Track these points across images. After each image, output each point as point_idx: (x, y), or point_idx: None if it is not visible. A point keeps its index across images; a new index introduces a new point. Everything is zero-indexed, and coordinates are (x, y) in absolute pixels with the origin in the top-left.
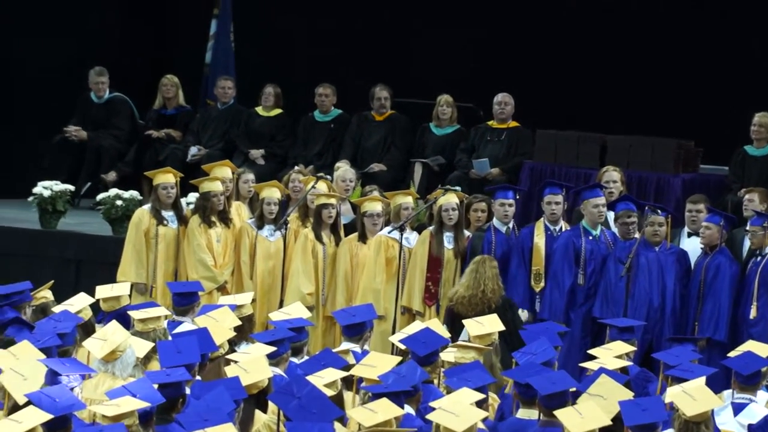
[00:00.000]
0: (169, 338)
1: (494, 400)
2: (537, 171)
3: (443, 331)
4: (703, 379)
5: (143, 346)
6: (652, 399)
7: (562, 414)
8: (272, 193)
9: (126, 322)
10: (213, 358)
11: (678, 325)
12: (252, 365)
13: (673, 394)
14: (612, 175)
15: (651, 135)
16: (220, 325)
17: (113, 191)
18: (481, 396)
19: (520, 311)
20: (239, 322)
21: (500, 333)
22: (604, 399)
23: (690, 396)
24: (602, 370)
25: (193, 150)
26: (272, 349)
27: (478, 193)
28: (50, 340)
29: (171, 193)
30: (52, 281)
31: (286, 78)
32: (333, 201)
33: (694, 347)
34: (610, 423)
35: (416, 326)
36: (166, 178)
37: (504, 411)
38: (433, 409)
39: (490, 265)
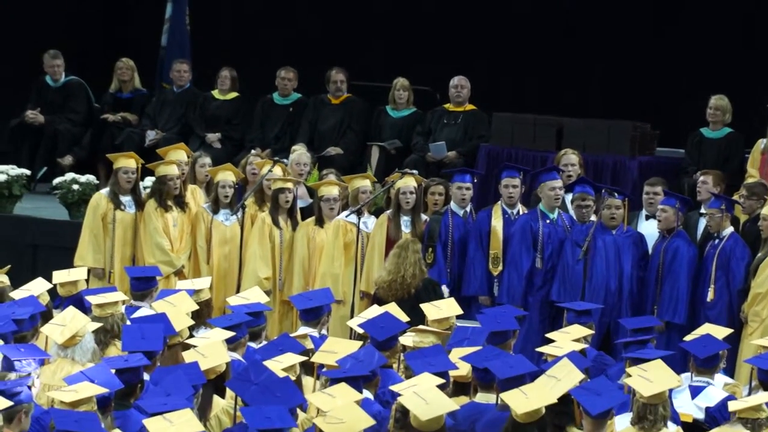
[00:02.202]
0: (128, 323)
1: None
2: (494, 154)
3: (402, 316)
4: (659, 361)
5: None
6: (606, 383)
7: (507, 395)
8: (226, 176)
9: (83, 306)
10: (171, 345)
11: (635, 308)
12: (210, 350)
13: (630, 376)
14: (570, 158)
15: (607, 118)
16: (180, 311)
17: (69, 175)
18: (442, 380)
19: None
20: (197, 307)
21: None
22: (559, 380)
23: (646, 378)
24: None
25: (151, 134)
26: (230, 334)
27: (435, 176)
28: (4, 326)
29: (131, 177)
30: (9, 266)
31: (242, 61)
32: (290, 185)
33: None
34: (556, 401)
35: (374, 311)
36: (128, 162)
37: None
38: (393, 392)
39: (413, 249)
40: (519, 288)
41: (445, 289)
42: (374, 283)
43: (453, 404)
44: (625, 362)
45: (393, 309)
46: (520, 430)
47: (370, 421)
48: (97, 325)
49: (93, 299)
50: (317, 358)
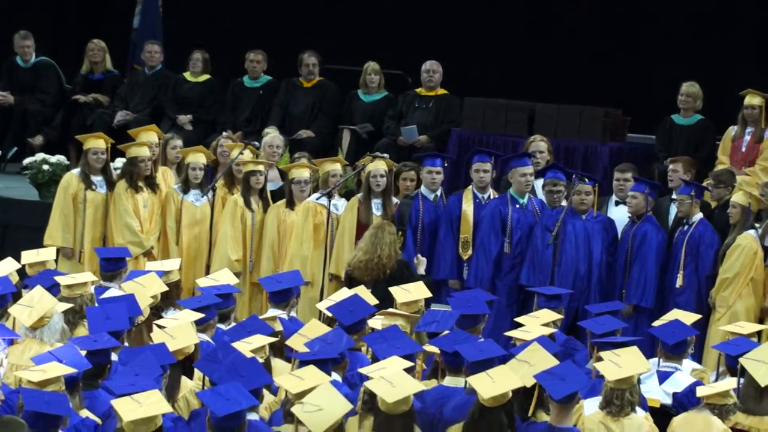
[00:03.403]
0: (96, 304)
1: (420, 367)
2: (465, 139)
3: (370, 299)
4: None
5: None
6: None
7: (473, 379)
8: (197, 158)
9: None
10: (136, 325)
11: (604, 294)
12: (179, 331)
13: (598, 361)
14: (539, 146)
15: (579, 103)
16: (144, 290)
17: (40, 156)
18: (411, 363)
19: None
20: (166, 288)
21: None
22: (531, 365)
23: (614, 363)
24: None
25: (120, 114)
26: (199, 315)
27: (406, 160)
28: None
29: (101, 158)
30: None
31: (214, 43)
32: (261, 168)
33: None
34: (522, 385)
35: (343, 293)
36: (97, 143)
37: None
38: (361, 375)
39: (389, 231)
40: (487, 272)
41: (421, 258)
42: (348, 264)
43: (419, 385)
44: (589, 347)
45: (362, 292)
46: (487, 413)
47: (348, 406)
48: (66, 305)
49: (62, 280)
50: (292, 342)
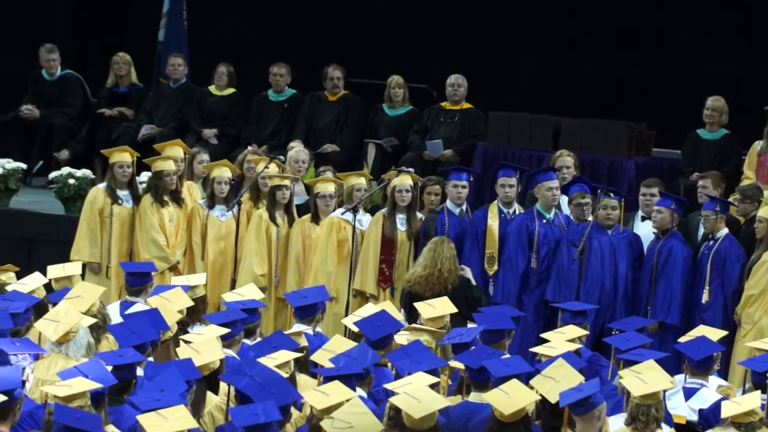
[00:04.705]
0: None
1: (445, 383)
2: (490, 153)
3: (397, 315)
4: (652, 361)
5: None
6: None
7: (489, 395)
8: (223, 172)
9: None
10: (163, 341)
11: (629, 309)
12: (204, 346)
13: (623, 376)
14: (565, 161)
15: (604, 118)
16: (171, 305)
17: (66, 170)
18: (436, 379)
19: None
20: (192, 303)
21: (465, 311)
22: (556, 381)
23: (639, 378)
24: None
25: (146, 128)
26: (225, 330)
27: (431, 174)
28: (3, 322)
29: (127, 172)
30: (14, 266)
31: (239, 57)
32: (287, 182)
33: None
34: (538, 399)
35: (369, 309)
36: (123, 156)
37: None
38: (387, 391)
39: (448, 246)
40: (514, 288)
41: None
42: (406, 280)
43: (445, 401)
44: (613, 363)
45: (389, 308)
46: (504, 429)
47: (379, 426)
48: (92, 320)
49: (51, 273)
50: (317, 357)
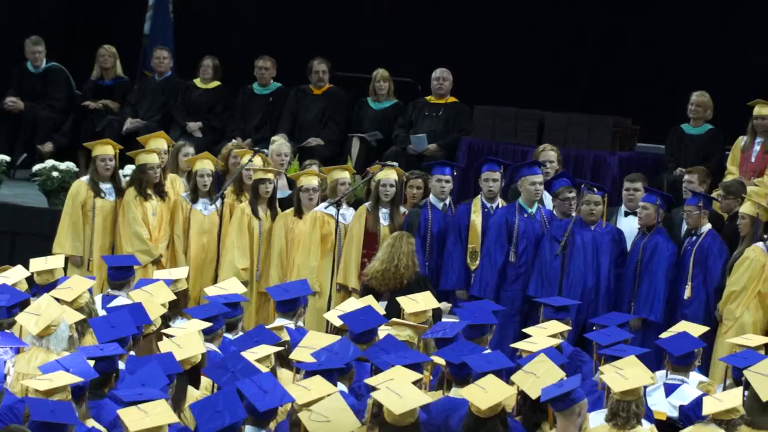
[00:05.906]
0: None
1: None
2: (474, 147)
3: (380, 309)
4: (633, 357)
5: (74, 317)
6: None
7: (465, 391)
8: (205, 165)
9: None
10: (146, 335)
11: (612, 306)
12: (186, 340)
13: (604, 372)
14: (549, 155)
15: (588, 113)
16: (154, 300)
17: (49, 162)
18: (419, 375)
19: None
20: (174, 297)
21: None
22: (537, 377)
23: (620, 374)
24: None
25: (130, 121)
26: (207, 325)
27: (415, 168)
28: None
29: (109, 165)
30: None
31: (224, 50)
32: (270, 176)
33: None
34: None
35: (351, 303)
36: (105, 149)
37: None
38: (368, 386)
39: (407, 242)
40: (492, 282)
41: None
42: (364, 273)
43: (426, 397)
44: (595, 359)
45: (372, 302)
46: (480, 424)
47: (357, 424)
48: (76, 315)
49: (33, 266)
50: (296, 355)
